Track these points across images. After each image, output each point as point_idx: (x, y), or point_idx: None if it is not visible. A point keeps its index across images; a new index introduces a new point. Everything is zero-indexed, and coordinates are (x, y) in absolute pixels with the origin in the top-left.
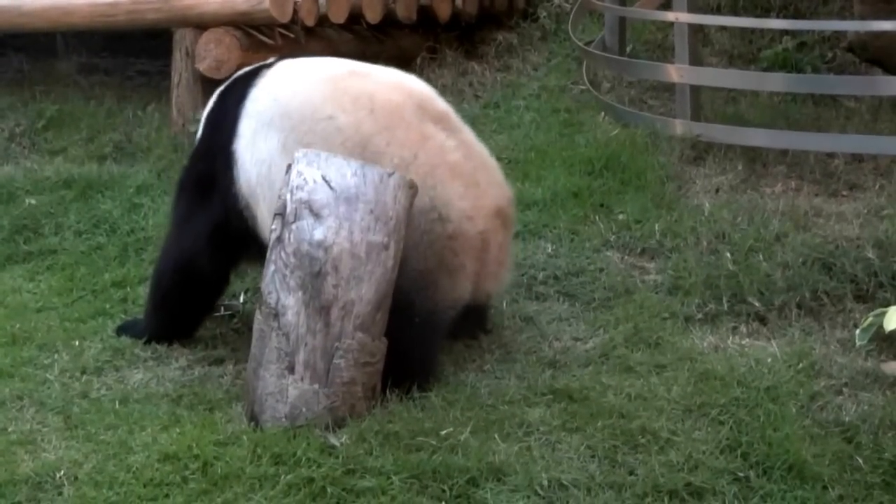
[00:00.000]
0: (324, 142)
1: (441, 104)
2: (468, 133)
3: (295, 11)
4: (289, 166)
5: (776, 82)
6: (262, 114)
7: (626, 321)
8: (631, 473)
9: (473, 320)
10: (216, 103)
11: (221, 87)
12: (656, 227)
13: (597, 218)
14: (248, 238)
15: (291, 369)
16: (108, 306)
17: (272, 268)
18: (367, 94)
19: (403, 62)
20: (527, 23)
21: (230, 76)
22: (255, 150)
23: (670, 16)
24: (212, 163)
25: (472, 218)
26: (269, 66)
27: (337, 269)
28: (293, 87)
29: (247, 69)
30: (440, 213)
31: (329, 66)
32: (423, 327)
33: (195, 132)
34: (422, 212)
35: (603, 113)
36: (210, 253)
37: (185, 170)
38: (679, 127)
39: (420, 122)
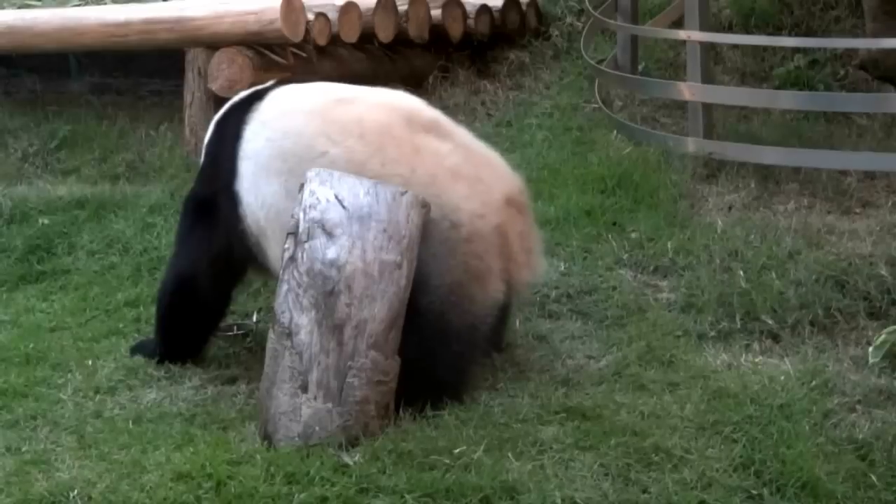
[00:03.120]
0: None
1: (428, 112)
2: (462, 133)
3: (307, 31)
4: (302, 185)
5: (788, 100)
6: (258, 155)
7: (639, 339)
8: (644, 492)
9: (489, 338)
10: (213, 134)
11: (218, 116)
12: (669, 245)
13: (609, 236)
14: (260, 270)
15: (305, 388)
16: (121, 326)
17: (285, 287)
18: (354, 120)
19: (415, 81)
20: (539, 41)
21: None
22: (258, 193)
23: (682, 34)
24: (214, 195)
25: (484, 215)
26: (260, 97)
27: (350, 288)
28: (283, 126)
29: (242, 95)
30: (451, 220)
31: (315, 96)
32: (465, 344)
33: None
34: (433, 223)
35: (615, 131)
36: (211, 277)
37: (189, 193)
38: (691, 145)
39: (411, 136)
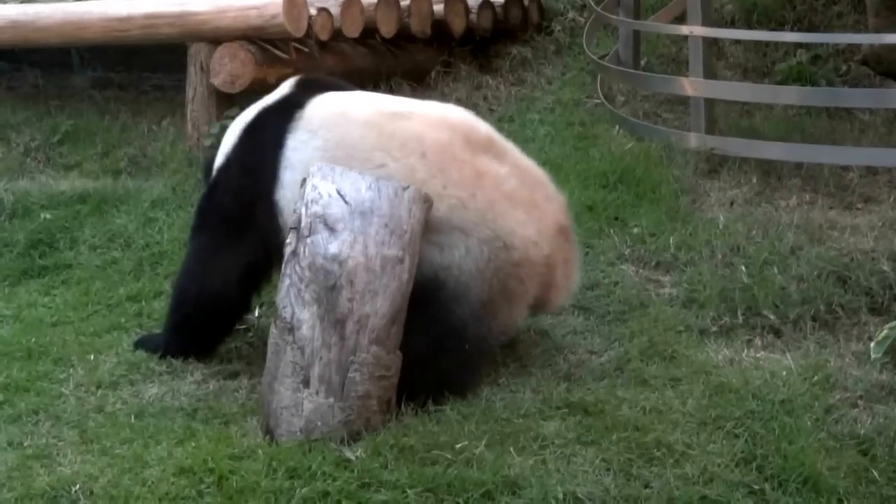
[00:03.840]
0: None
1: (483, 129)
2: (514, 151)
3: (309, 26)
4: (304, 180)
5: (790, 95)
6: (306, 164)
7: (641, 334)
8: (646, 486)
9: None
10: (244, 142)
11: (246, 122)
12: (671, 241)
13: (611, 231)
14: None
15: (306, 383)
16: (123, 320)
17: (287, 282)
18: (414, 136)
19: (418, 76)
20: (541, 36)
21: (248, 103)
22: None
23: (684, 29)
24: (248, 207)
25: (538, 243)
26: (299, 103)
27: (352, 283)
28: (336, 136)
29: (271, 102)
30: (504, 242)
31: (368, 107)
32: (472, 353)
33: (210, 146)
34: (484, 241)
35: (617, 126)
36: (239, 291)
37: (208, 201)
38: (693, 140)
39: (472, 157)
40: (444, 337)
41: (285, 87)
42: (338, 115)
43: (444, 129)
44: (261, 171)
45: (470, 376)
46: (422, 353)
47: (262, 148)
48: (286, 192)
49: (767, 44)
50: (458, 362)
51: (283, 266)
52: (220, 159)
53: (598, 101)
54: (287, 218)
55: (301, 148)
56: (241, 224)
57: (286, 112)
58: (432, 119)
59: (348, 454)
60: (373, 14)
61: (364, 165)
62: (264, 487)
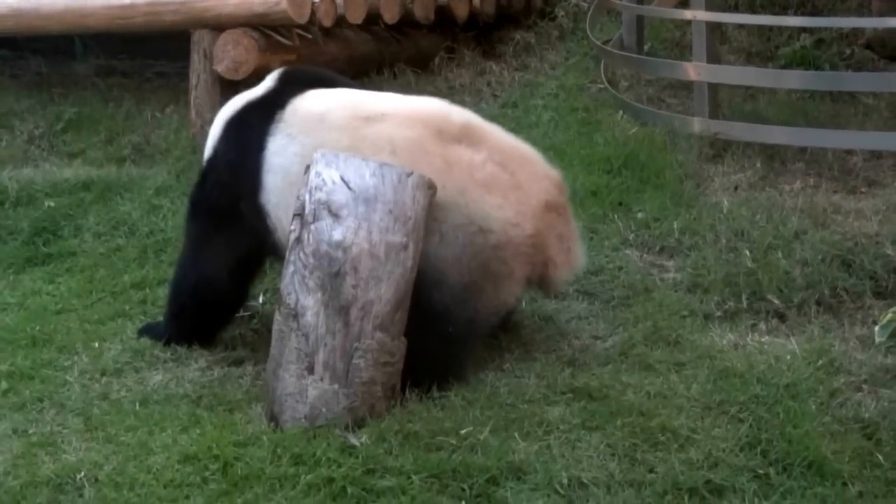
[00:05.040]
0: None
1: (458, 118)
2: (497, 134)
3: (313, 12)
4: (307, 167)
5: (794, 79)
6: (286, 171)
7: (646, 319)
8: (651, 471)
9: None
10: (227, 138)
11: (229, 115)
12: (675, 226)
13: (615, 216)
14: None
15: (311, 370)
16: (127, 308)
17: (291, 268)
18: (385, 137)
19: (421, 62)
20: (544, 22)
21: (245, 86)
22: (287, 209)
23: (688, 14)
24: (235, 203)
25: (519, 224)
26: (280, 103)
27: (356, 270)
28: (313, 143)
29: (254, 98)
30: (480, 226)
31: (345, 111)
32: (459, 336)
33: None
34: (458, 227)
35: (621, 111)
36: (231, 281)
37: (200, 191)
38: (697, 125)
39: (443, 149)
40: (427, 321)
41: (270, 81)
42: (315, 119)
43: (415, 126)
44: (244, 171)
45: (460, 357)
46: (407, 339)
47: (245, 147)
48: (270, 197)
49: (771, 28)
50: (445, 345)
51: (288, 253)
52: (208, 150)
53: (601, 86)
54: (274, 221)
55: (281, 153)
56: (230, 216)
57: (268, 111)
58: (404, 117)
59: (353, 440)
60: (376, 1)
61: None
62: (269, 474)
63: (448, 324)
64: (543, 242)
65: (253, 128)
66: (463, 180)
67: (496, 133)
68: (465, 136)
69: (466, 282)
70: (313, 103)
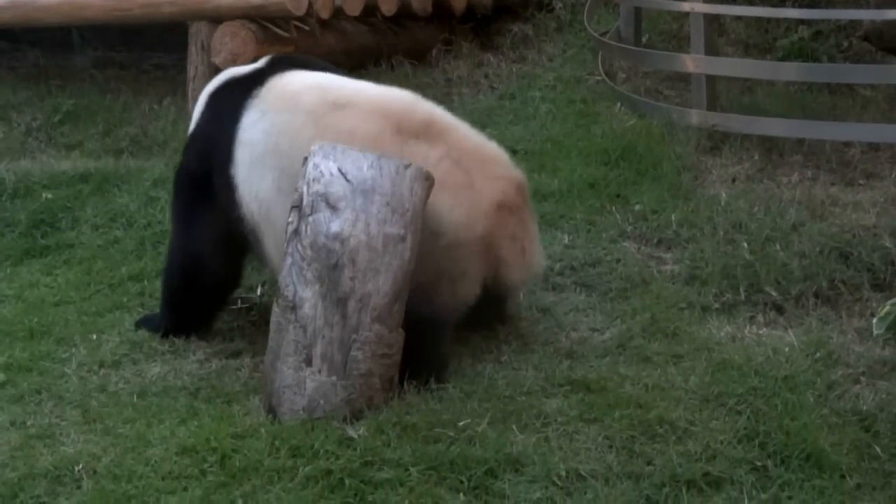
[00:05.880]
0: None
1: (421, 113)
2: (459, 131)
3: (310, 4)
4: (305, 159)
5: (792, 72)
6: (254, 146)
7: (643, 311)
8: (649, 463)
9: (491, 311)
10: (208, 108)
11: (212, 88)
12: (673, 218)
13: (613, 208)
14: (258, 257)
15: (309, 362)
16: (125, 300)
17: (289, 260)
18: (346, 129)
19: (419, 54)
20: (542, 14)
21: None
22: (251, 185)
23: (686, 6)
24: (209, 173)
25: (469, 225)
26: (261, 80)
27: (354, 262)
28: (281, 123)
29: (239, 71)
30: (432, 229)
31: (314, 95)
32: (423, 330)
33: None
34: None
35: (619, 103)
36: (217, 256)
37: (181, 167)
38: (695, 117)
39: (400, 146)
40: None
41: (259, 62)
42: (288, 98)
43: (377, 119)
44: (218, 142)
45: (428, 351)
46: None
47: (222, 119)
48: (239, 170)
49: (769, 20)
50: (412, 341)
51: (286, 245)
52: (191, 124)
53: (599, 78)
54: (240, 195)
55: (251, 127)
56: (209, 190)
57: (247, 86)
58: (368, 109)
59: (351, 432)
60: None
61: (301, 156)
62: (267, 466)
63: (408, 321)
64: (495, 243)
65: (231, 101)
66: None
67: (459, 130)
68: (423, 132)
69: (421, 281)
70: (289, 83)
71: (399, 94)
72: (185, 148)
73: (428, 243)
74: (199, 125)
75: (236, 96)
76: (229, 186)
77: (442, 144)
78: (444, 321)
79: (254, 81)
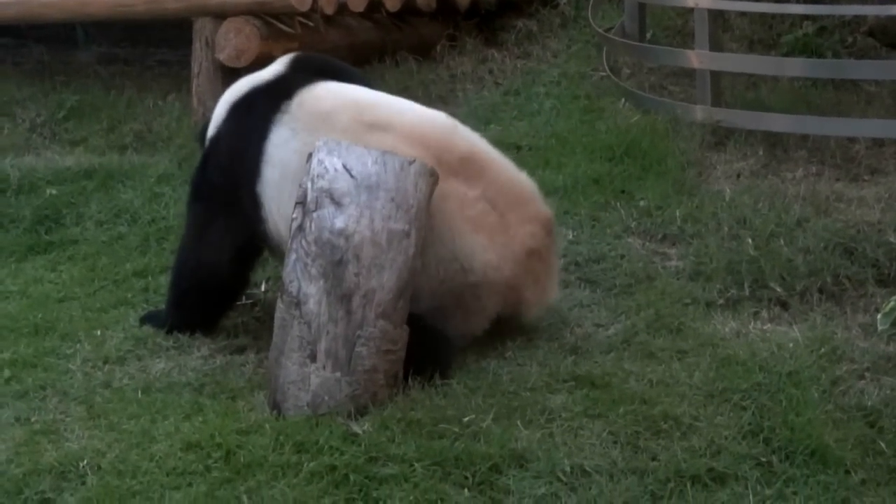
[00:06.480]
0: None
1: (462, 146)
2: (496, 166)
3: (314, 0)
4: (310, 155)
5: (796, 67)
6: (285, 166)
7: (648, 307)
8: (653, 459)
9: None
10: (231, 122)
11: (235, 98)
12: (677, 213)
13: (618, 204)
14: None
15: (313, 357)
16: (129, 296)
17: (293, 256)
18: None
19: (423, 50)
20: (546, 10)
21: (247, 73)
22: (281, 204)
23: (690, 1)
24: (234, 188)
25: (499, 268)
26: (288, 93)
27: (358, 258)
28: (314, 140)
29: (263, 79)
30: (462, 265)
31: (349, 113)
32: (434, 336)
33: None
34: (441, 261)
35: (623, 99)
36: (231, 265)
37: (201, 174)
38: (699, 113)
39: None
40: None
41: (279, 66)
42: (320, 117)
43: (416, 147)
44: (245, 158)
45: (436, 356)
46: None
47: (248, 133)
48: (266, 189)
49: (773, 16)
50: (420, 342)
51: (290, 241)
52: (211, 130)
53: (603, 73)
54: (267, 212)
55: (282, 146)
56: (230, 201)
57: (275, 99)
58: (406, 134)
59: (355, 428)
60: None
61: None
62: (272, 462)
63: (422, 327)
64: (520, 285)
65: (257, 115)
66: (454, 215)
67: (496, 164)
68: (463, 169)
69: (437, 305)
70: (320, 99)
71: (438, 120)
72: (205, 157)
73: (457, 277)
74: (220, 136)
75: (264, 110)
76: (255, 203)
77: (480, 183)
78: (452, 336)
79: (280, 93)
